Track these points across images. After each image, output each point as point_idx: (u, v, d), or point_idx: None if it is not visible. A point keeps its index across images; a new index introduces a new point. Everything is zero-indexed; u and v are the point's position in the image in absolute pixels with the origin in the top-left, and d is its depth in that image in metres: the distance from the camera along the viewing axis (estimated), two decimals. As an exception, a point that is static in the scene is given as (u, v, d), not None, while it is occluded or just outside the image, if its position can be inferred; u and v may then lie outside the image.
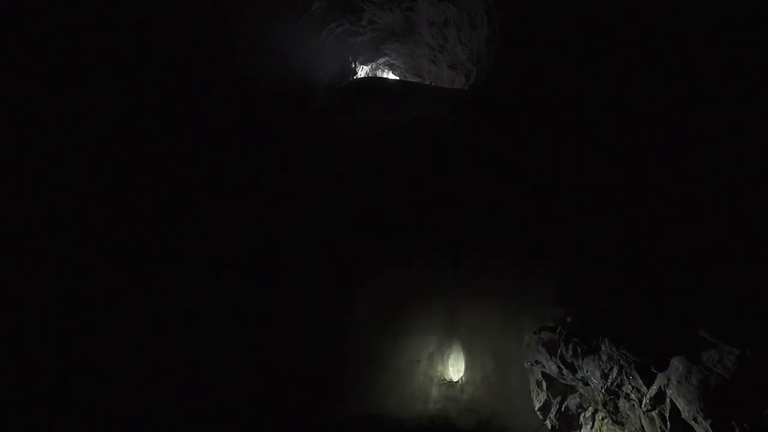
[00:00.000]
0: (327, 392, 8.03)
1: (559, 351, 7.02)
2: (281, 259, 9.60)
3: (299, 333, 8.78)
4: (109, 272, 8.02)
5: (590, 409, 6.81)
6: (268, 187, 10.72)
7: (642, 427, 5.76)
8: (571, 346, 6.80)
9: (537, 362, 7.57)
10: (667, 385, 5.25)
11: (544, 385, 7.40)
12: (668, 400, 5.26)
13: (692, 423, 4.87)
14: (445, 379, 8.83)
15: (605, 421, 6.52)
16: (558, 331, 7.29)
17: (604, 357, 6.29)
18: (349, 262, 9.39)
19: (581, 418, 6.89)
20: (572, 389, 7.12)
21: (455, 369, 8.95)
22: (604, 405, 6.32)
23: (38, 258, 6.99)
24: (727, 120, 6.22)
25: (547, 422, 7.18)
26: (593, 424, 6.71)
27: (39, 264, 6.98)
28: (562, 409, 7.06)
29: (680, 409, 5.03)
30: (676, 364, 5.19)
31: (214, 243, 9.78)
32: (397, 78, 19.44)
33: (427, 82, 17.96)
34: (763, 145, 5.65)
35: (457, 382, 8.83)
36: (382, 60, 18.09)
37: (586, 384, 6.67)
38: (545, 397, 7.34)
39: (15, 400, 6.48)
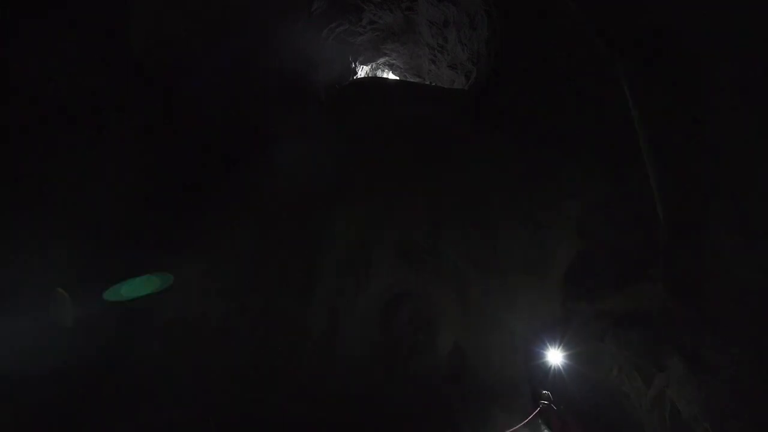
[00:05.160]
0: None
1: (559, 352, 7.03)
2: (281, 259, 9.61)
3: (299, 334, 8.80)
4: (111, 273, 8.03)
5: (590, 409, 6.83)
6: (267, 187, 10.72)
7: (642, 427, 5.77)
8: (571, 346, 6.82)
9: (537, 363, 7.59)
10: (667, 385, 5.26)
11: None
12: (668, 400, 5.28)
13: (692, 423, 4.88)
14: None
15: (605, 421, 6.53)
16: (558, 332, 7.31)
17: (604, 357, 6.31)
18: (350, 262, 9.40)
19: (581, 418, 6.89)
20: (572, 389, 7.14)
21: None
22: (605, 405, 6.32)
23: (39, 258, 7.00)
24: (727, 119, 6.22)
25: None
26: (593, 424, 6.72)
27: (39, 264, 6.99)
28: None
29: (680, 409, 5.04)
30: (677, 364, 5.20)
31: (214, 243, 9.79)
32: (397, 78, 19.42)
33: (427, 82, 17.95)
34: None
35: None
36: (382, 60, 18.07)
37: (586, 384, 6.67)
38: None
39: (14, 401, 6.49)
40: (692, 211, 6.07)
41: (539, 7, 10.08)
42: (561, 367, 7.41)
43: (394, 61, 18.11)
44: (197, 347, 8.46)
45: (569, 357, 7.36)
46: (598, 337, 6.75)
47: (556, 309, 8.36)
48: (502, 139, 10.58)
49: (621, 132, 7.92)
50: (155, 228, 9.16)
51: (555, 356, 7.52)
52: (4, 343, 6.41)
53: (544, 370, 7.73)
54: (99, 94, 7.73)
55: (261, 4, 10.49)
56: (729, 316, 4.99)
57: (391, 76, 19.75)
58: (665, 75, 6.22)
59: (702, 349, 5.02)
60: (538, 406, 7.10)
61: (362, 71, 18.27)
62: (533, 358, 8.14)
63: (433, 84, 17.52)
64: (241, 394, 7.93)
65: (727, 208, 5.66)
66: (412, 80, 18.49)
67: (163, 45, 8.33)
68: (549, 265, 8.65)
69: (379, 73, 19.55)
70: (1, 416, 6.35)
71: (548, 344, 7.74)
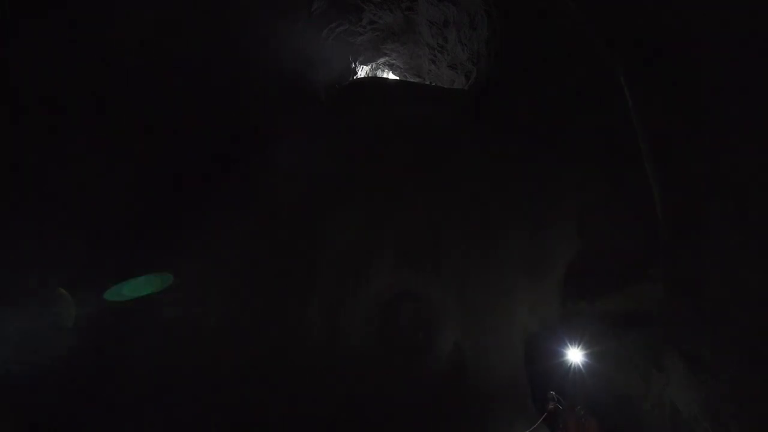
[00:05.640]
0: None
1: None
2: (281, 259, 9.61)
3: (299, 334, 8.79)
4: (111, 273, 8.03)
5: (591, 409, 6.83)
6: (267, 188, 10.72)
7: (642, 426, 5.77)
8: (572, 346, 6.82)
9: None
10: (667, 385, 5.27)
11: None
12: (668, 400, 5.28)
13: (692, 423, 4.88)
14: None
15: (605, 421, 6.53)
16: (558, 331, 7.31)
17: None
18: (350, 262, 9.40)
19: (581, 418, 6.89)
20: (572, 389, 7.13)
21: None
22: (605, 405, 6.33)
23: (40, 258, 7.00)
24: (727, 119, 6.22)
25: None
26: (593, 424, 6.72)
27: (40, 264, 6.99)
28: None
29: (680, 409, 5.04)
30: (677, 364, 5.20)
31: (214, 243, 9.78)
32: (397, 78, 19.41)
33: (427, 82, 17.94)
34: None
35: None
36: (382, 60, 18.06)
37: (586, 384, 6.67)
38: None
39: (14, 401, 6.49)
40: (692, 211, 6.07)
41: (539, 7, 10.08)
42: (562, 367, 7.41)
43: (394, 61, 18.10)
44: (197, 347, 8.46)
45: (571, 357, 7.36)
46: (599, 337, 6.75)
47: (556, 309, 8.37)
48: (502, 139, 10.58)
49: (621, 132, 7.92)
50: (155, 228, 9.16)
51: (556, 356, 7.53)
52: (3, 343, 6.40)
53: (545, 369, 7.74)
54: (98, 93, 7.73)
55: (261, 4, 10.48)
56: (729, 316, 4.99)
57: (391, 76, 19.74)
58: (665, 75, 6.22)
59: (702, 349, 5.01)
60: (545, 407, 7.04)
61: (362, 71, 18.26)
62: (533, 358, 8.15)
63: (433, 84, 17.52)
64: (240, 395, 7.92)
65: (727, 208, 5.66)
66: (412, 80, 18.49)
67: (163, 45, 8.33)
68: (549, 265, 8.65)
69: (379, 73, 19.54)
70: (1, 416, 6.35)
71: (549, 344, 7.75)
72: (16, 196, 6.85)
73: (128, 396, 7.40)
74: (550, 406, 6.92)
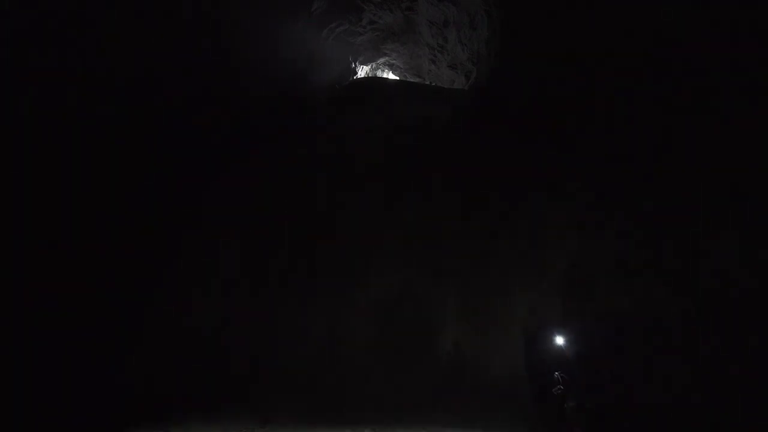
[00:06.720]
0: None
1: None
2: (281, 259, 9.61)
3: (298, 334, 8.80)
4: (112, 277, 8.04)
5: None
6: (266, 188, 10.72)
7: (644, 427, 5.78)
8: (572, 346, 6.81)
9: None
10: (668, 385, 5.27)
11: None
12: (669, 400, 5.28)
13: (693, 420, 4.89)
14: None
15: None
16: (558, 331, 7.31)
17: (604, 357, 6.31)
18: (350, 262, 9.39)
19: (582, 418, 6.89)
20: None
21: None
22: (605, 405, 6.33)
23: (45, 262, 7.00)
24: (728, 120, 6.23)
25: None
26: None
27: (46, 268, 7.00)
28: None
29: (682, 409, 5.05)
30: (677, 364, 5.20)
31: (213, 242, 9.79)
32: (397, 78, 19.42)
33: (427, 82, 17.95)
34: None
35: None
36: (382, 60, 18.07)
37: (586, 384, 6.67)
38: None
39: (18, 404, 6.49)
40: (692, 212, 6.08)
41: (539, 7, 10.06)
42: (563, 367, 7.39)
43: (394, 61, 18.11)
44: (196, 348, 8.46)
45: (570, 357, 7.35)
46: (599, 336, 6.76)
47: (556, 308, 8.37)
48: (503, 138, 10.58)
49: (622, 131, 7.92)
50: (154, 223, 9.16)
51: (556, 355, 7.51)
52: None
53: (545, 369, 7.73)
54: (93, 93, 7.72)
55: (261, 4, 10.47)
56: (729, 316, 5.00)
57: (391, 76, 19.74)
58: (666, 75, 6.23)
59: (702, 348, 5.03)
60: (551, 391, 6.80)
61: (362, 71, 18.26)
62: (533, 358, 8.15)
63: (433, 84, 17.52)
64: (238, 396, 7.92)
65: (726, 208, 5.68)
66: (412, 80, 18.49)
67: (161, 45, 8.32)
68: (549, 264, 8.65)
69: (379, 73, 19.54)
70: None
71: (549, 343, 7.74)
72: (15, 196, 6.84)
73: (126, 398, 7.38)
74: (557, 390, 6.71)
